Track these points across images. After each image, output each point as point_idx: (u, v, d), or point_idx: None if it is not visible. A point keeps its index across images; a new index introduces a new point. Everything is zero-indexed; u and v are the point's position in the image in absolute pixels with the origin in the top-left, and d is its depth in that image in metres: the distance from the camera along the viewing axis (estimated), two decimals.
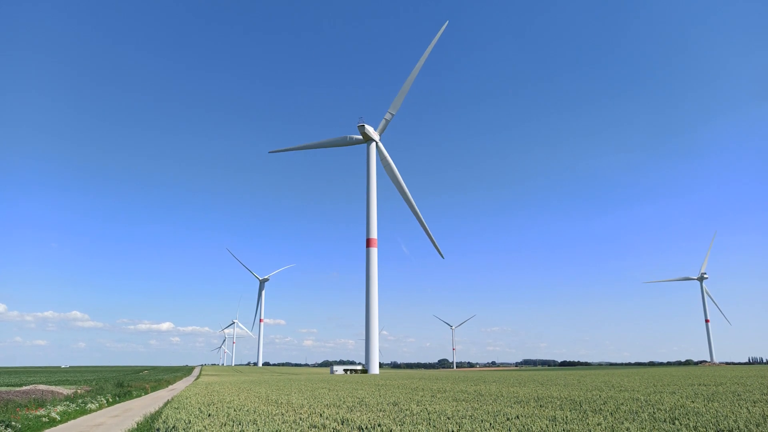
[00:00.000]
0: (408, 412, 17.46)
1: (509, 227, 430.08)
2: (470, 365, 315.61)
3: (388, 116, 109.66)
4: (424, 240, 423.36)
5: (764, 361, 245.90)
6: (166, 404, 27.76)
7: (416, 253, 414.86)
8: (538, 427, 13.24)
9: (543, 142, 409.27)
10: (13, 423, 20.50)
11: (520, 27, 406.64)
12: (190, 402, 25.35)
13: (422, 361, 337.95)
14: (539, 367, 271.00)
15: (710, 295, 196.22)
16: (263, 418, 16.93)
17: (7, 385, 52.60)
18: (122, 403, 34.63)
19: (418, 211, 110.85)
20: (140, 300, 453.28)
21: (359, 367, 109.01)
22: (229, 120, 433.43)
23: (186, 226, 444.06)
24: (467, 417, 15.88)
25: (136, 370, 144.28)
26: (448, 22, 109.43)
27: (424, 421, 15.13)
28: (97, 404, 31.37)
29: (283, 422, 15.71)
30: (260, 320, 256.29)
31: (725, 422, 13.50)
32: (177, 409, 22.04)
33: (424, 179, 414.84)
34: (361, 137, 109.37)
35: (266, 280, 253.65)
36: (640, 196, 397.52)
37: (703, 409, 16.61)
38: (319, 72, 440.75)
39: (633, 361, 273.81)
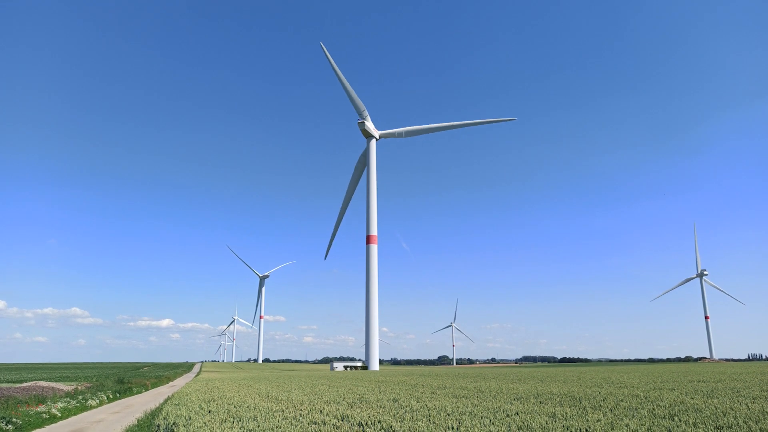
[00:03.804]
0: (408, 409, 17.48)
1: (509, 224, 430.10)
2: (470, 362, 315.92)
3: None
4: (424, 237, 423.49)
5: (764, 357, 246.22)
6: (166, 401, 27.83)
7: (416, 250, 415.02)
8: (538, 424, 13.25)
9: (543, 139, 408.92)
10: (13, 419, 20.54)
11: (519, 25, 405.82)
12: (190, 398, 25.39)
13: (422, 358, 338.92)
14: (539, 363, 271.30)
15: (716, 286, 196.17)
16: (263, 414, 16.96)
17: (8, 382, 52.65)
18: (123, 400, 34.72)
19: (342, 214, 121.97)
20: (140, 296, 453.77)
21: (359, 364, 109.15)
22: (229, 118, 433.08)
23: (186, 222, 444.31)
24: (467, 413, 15.90)
25: (137, 367, 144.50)
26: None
27: (424, 417, 15.14)
28: (98, 401, 31.46)
29: (283, 418, 15.73)
30: (260, 317, 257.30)
31: (725, 418, 13.52)
32: (177, 405, 22.09)
33: (424, 177, 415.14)
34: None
35: (266, 276, 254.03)
36: (640, 193, 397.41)
37: (703, 406, 16.63)
38: (319, 71, 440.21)
39: (632, 358, 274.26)
